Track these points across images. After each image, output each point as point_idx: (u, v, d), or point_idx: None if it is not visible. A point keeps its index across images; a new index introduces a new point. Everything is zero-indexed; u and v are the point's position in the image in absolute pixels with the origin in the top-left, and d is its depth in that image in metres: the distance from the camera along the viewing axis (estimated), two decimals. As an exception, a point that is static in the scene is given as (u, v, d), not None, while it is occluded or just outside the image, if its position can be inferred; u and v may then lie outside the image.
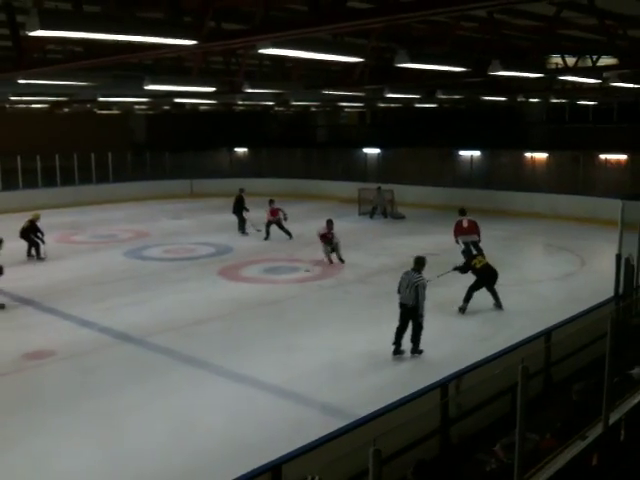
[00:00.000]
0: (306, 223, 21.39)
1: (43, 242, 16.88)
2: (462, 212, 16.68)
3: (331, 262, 16.51)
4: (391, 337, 9.97)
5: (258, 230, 20.15)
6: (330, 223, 16.66)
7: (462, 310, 12.44)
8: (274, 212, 19.87)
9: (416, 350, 10.08)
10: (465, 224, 16.27)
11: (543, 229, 21.27)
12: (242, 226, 20.88)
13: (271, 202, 20.06)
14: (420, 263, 10.17)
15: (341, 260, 16.53)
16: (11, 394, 9.04)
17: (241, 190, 21.63)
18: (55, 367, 9.93)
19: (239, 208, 21.00)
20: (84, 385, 9.18)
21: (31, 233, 16.78)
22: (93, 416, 8.16)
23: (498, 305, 12.69)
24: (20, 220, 17.21)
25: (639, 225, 10.27)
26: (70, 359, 10.19)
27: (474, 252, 14.83)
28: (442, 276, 12.62)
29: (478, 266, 12.57)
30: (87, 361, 10.14)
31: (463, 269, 12.82)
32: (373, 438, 3.76)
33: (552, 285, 14.38)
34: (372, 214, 24.52)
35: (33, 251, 16.82)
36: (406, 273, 10.20)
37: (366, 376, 9.29)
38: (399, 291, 10.20)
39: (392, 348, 10.03)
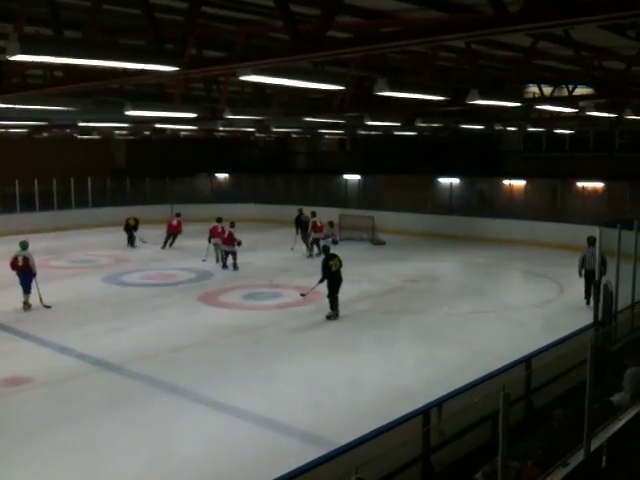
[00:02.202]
0: (286, 248, 21.50)
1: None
2: (314, 214, 20.71)
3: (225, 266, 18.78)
4: (372, 364, 10.10)
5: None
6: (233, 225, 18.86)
7: (331, 317, 13.21)
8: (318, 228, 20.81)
9: None
10: (319, 223, 20.46)
11: (522, 256, 21.42)
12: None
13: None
14: (593, 239, 12.51)
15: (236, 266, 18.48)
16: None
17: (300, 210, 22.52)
18: (31, 394, 9.73)
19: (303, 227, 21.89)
20: (60, 413, 8.98)
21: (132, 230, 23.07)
22: (68, 445, 7.97)
23: (335, 315, 13.24)
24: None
25: (617, 252, 10.35)
26: (47, 386, 10.00)
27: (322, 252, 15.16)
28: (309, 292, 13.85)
29: (333, 269, 13.13)
30: (64, 389, 9.94)
31: (323, 271, 13.23)
32: (355, 467, 3.72)
33: (531, 312, 14.46)
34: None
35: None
36: (587, 250, 13.72)
37: (346, 404, 9.21)
38: (582, 265, 13.91)
39: (583, 303, 13.53)
